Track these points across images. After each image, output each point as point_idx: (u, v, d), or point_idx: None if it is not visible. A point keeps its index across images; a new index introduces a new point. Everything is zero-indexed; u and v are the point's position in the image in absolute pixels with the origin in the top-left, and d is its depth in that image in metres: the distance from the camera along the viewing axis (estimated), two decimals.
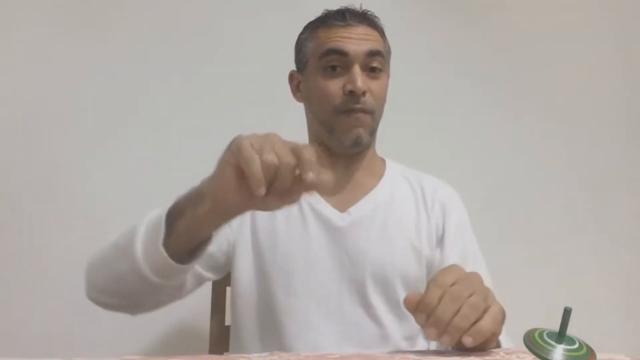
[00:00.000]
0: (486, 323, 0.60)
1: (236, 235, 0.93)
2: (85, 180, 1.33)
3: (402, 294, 0.88)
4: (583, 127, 1.49)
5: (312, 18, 0.98)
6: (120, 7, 1.36)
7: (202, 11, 1.38)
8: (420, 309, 0.60)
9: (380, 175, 0.98)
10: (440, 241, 0.95)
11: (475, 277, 0.64)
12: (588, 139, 1.49)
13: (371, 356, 0.65)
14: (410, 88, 1.34)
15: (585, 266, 1.46)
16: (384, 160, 1.02)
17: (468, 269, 0.85)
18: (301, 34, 0.98)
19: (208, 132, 1.37)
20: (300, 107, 0.99)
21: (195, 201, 0.64)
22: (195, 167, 1.37)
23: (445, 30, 1.45)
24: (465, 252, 0.94)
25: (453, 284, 0.60)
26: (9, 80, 1.33)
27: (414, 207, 0.96)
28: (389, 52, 0.97)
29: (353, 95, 0.88)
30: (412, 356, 0.63)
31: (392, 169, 1.01)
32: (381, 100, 0.93)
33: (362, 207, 0.93)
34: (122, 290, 0.75)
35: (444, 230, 0.95)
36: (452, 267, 0.65)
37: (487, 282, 0.89)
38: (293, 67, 1.00)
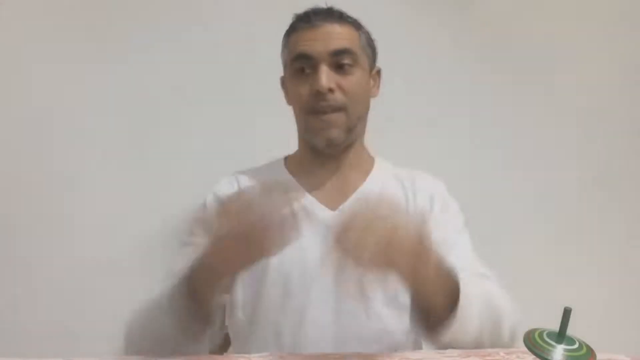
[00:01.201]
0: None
1: None
2: (86, 181, 1.33)
3: (398, 287, 0.88)
4: (584, 126, 1.49)
5: None
6: (123, 8, 1.36)
7: (205, 10, 1.38)
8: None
9: (368, 172, 0.99)
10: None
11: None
12: (589, 138, 1.49)
13: (371, 356, 0.65)
14: (405, 84, 1.34)
15: (585, 266, 1.45)
16: (372, 158, 1.03)
17: (451, 257, 0.82)
18: (282, 42, 1.00)
19: (211, 134, 1.37)
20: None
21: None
22: (199, 169, 1.39)
23: (445, 24, 1.45)
24: (448, 239, 0.91)
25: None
26: (16, 82, 1.33)
27: (403, 200, 0.96)
28: (366, 45, 0.96)
29: (319, 94, 0.89)
30: (412, 356, 0.63)
31: (381, 165, 1.02)
32: (354, 95, 0.92)
33: (352, 204, 0.92)
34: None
35: (429, 216, 0.95)
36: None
37: (474, 268, 0.86)
38: None
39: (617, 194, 1.49)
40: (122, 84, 1.35)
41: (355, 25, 0.96)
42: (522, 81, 1.48)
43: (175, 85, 1.36)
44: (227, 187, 0.98)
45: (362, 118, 0.97)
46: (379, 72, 1.01)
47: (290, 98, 0.98)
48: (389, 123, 1.27)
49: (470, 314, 0.69)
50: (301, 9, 0.97)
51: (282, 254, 0.88)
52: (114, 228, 1.32)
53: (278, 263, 0.89)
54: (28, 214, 1.32)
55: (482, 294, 0.74)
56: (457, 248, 0.88)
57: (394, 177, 1.00)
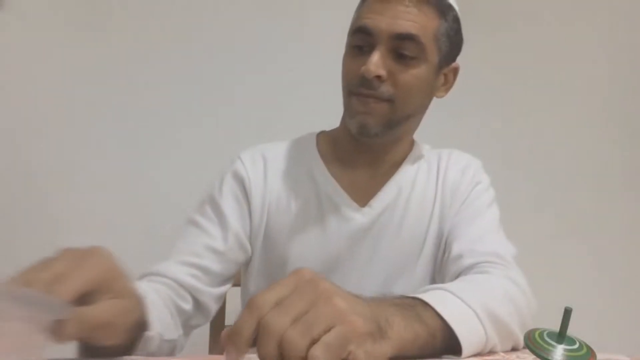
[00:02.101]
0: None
1: (254, 233, 0.89)
2: (87, 179, 1.33)
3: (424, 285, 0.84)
4: (582, 127, 1.49)
5: None
6: (124, 7, 1.36)
7: (207, 8, 1.38)
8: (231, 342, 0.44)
9: (402, 160, 0.92)
10: (450, 208, 0.89)
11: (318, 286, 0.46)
12: (587, 139, 1.49)
13: None
14: None
15: (585, 266, 1.45)
16: (412, 144, 0.95)
17: (476, 236, 0.81)
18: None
19: (211, 130, 1.37)
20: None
21: None
22: (199, 166, 1.39)
23: None
24: (474, 211, 0.88)
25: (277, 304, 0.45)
26: (16, 80, 1.33)
27: (433, 188, 0.91)
28: (444, 36, 0.82)
29: (364, 79, 0.79)
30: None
31: (417, 150, 0.95)
32: (408, 91, 0.80)
33: (382, 198, 0.88)
34: None
35: (458, 188, 0.90)
36: (283, 280, 0.47)
37: (507, 253, 0.83)
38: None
39: (616, 194, 1.49)
40: (126, 83, 1.35)
41: (441, 10, 0.81)
42: (524, 79, 1.48)
43: (177, 83, 1.37)
44: (250, 164, 0.90)
45: (414, 117, 0.87)
46: (455, 70, 0.89)
47: (342, 75, 0.86)
48: None
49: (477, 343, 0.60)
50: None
51: (303, 254, 0.85)
52: (113, 223, 1.33)
53: (298, 257, 0.86)
54: (28, 212, 1.32)
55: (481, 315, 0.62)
56: (479, 220, 0.86)
57: (430, 157, 0.94)
